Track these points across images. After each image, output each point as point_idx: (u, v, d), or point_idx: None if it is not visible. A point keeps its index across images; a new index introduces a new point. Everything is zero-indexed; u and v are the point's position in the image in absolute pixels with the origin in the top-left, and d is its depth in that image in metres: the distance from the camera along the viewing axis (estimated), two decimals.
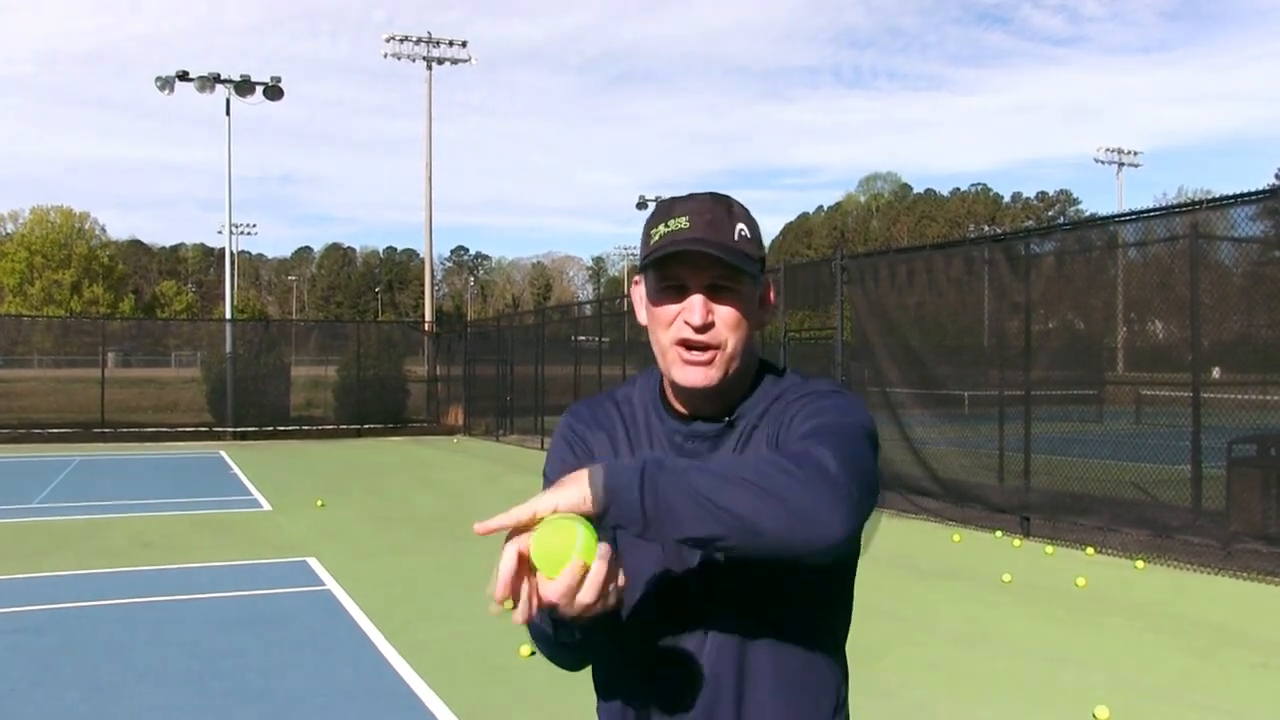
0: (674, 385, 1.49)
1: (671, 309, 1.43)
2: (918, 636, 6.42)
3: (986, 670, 5.78)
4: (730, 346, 1.43)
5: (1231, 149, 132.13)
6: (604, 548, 1.18)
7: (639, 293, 1.53)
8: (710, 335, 1.42)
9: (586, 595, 1.17)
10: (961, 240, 14.38)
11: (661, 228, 1.43)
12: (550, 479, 1.51)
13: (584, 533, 1.17)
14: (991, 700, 5.26)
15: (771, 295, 1.53)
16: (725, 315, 1.43)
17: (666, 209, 1.46)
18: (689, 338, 1.42)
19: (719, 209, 1.44)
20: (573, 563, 1.15)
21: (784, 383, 1.53)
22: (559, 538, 1.17)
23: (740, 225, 1.43)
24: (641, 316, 1.52)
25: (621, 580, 1.21)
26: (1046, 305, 11.07)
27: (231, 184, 27.55)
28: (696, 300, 1.41)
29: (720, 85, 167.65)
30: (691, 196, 1.47)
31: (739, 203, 1.48)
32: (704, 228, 1.41)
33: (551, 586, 1.16)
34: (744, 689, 1.45)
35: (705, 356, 1.43)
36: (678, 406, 1.51)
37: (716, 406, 1.49)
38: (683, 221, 1.42)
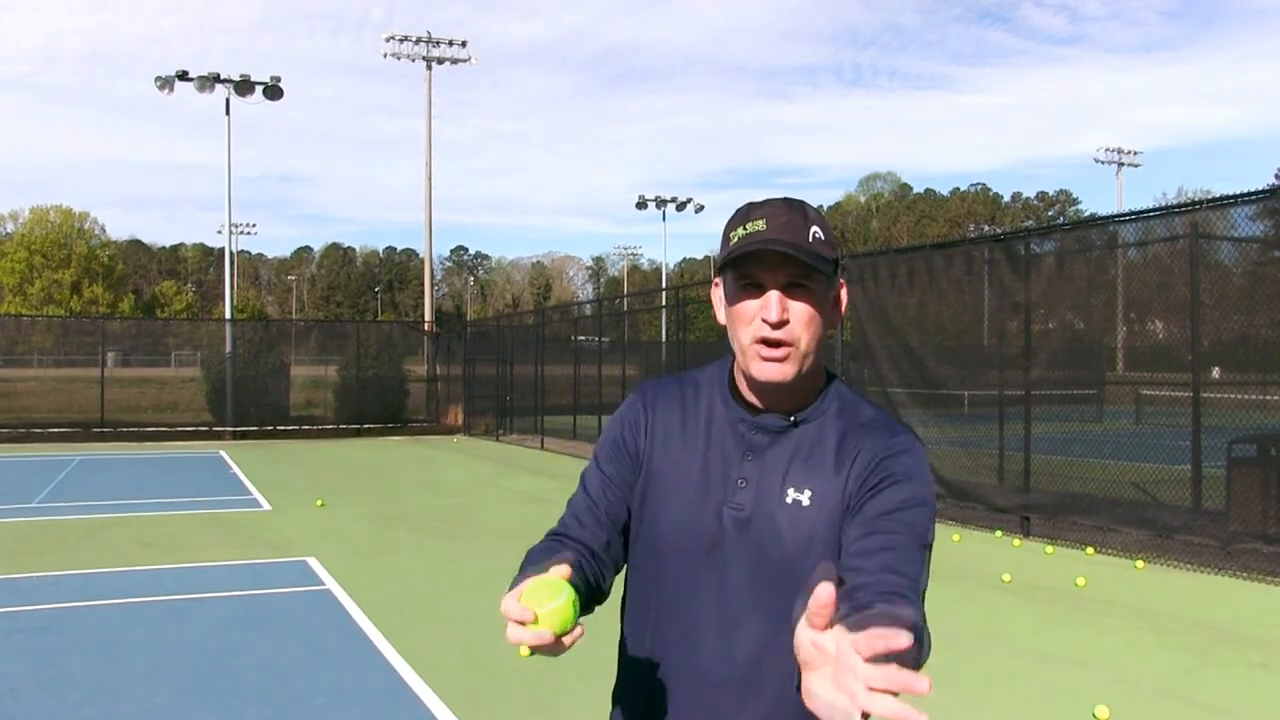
0: (751, 380, 1.54)
1: (750, 306, 1.50)
2: None
3: (986, 670, 5.78)
4: (804, 343, 1.49)
5: (1231, 149, 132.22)
6: (578, 630, 1.32)
7: (718, 295, 1.60)
8: (785, 332, 1.48)
9: (533, 647, 1.29)
10: (961, 240, 14.37)
11: (740, 230, 1.50)
12: (599, 447, 1.67)
13: (566, 608, 1.31)
14: (991, 700, 5.26)
15: (844, 297, 1.59)
16: (800, 312, 1.48)
17: (744, 213, 1.53)
18: (767, 335, 1.48)
19: (794, 212, 1.50)
20: (542, 633, 1.28)
21: (858, 405, 1.59)
22: (544, 600, 1.31)
23: (814, 228, 1.49)
24: (721, 317, 1.59)
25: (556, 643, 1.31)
26: (1046, 305, 11.07)
27: (231, 184, 27.58)
28: (773, 296, 1.47)
29: (720, 84, 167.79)
30: (768, 201, 1.54)
31: (813, 207, 1.54)
32: (780, 229, 1.47)
33: (511, 631, 1.28)
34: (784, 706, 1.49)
35: (781, 353, 1.49)
36: (748, 397, 1.58)
37: (787, 403, 1.55)
38: (760, 224, 1.48)
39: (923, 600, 1.41)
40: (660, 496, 1.58)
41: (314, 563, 8.71)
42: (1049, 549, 9.59)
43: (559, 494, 13.96)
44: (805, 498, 1.50)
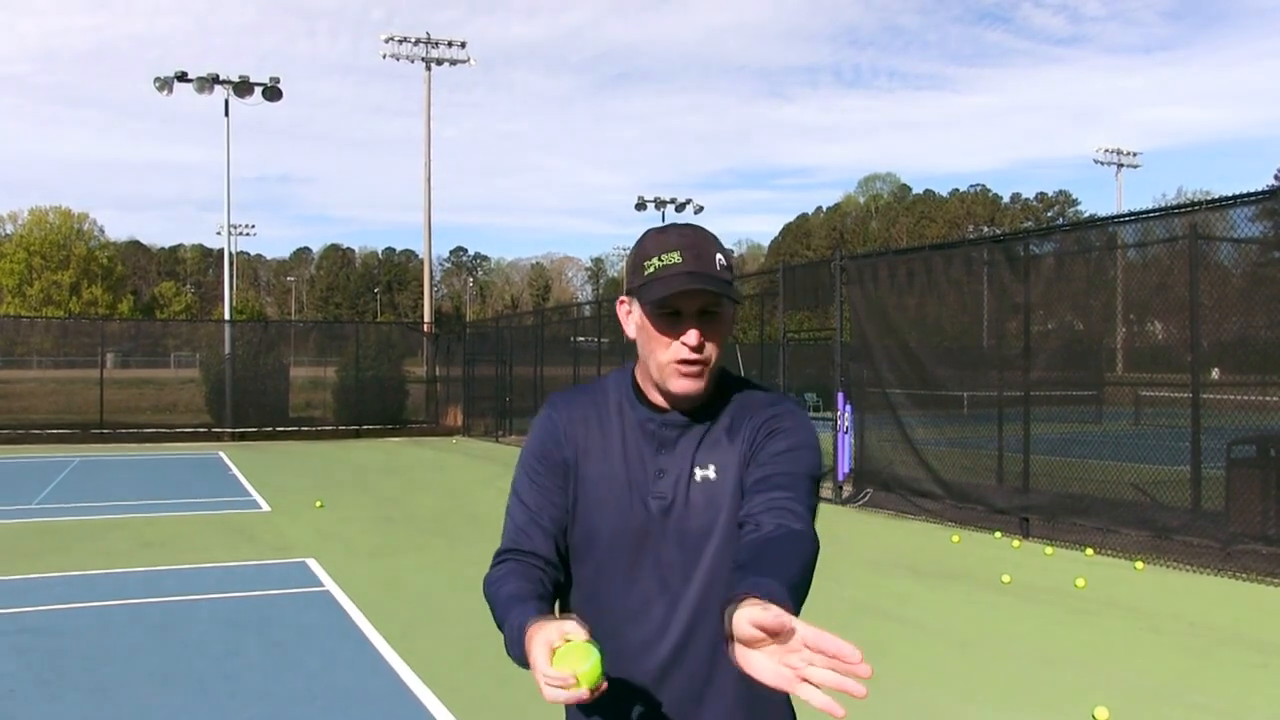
0: (666, 392, 1.72)
1: (669, 333, 1.67)
2: (917, 637, 6.42)
3: (986, 670, 5.78)
4: (714, 360, 1.70)
5: (1231, 150, 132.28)
6: (604, 685, 1.42)
7: (624, 311, 1.77)
8: (703, 353, 1.67)
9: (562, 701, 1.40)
10: (961, 241, 14.39)
11: (656, 261, 1.66)
12: (525, 459, 1.81)
13: (598, 667, 1.42)
14: (991, 700, 5.26)
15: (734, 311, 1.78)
16: (711, 334, 1.68)
17: (656, 243, 1.68)
18: (686, 357, 1.66)
19: (702, 242, 1.67)
20: (579, 689, 1.40)
21: (749, 392, 1.80)
22: (579, 660, 1.42)
23: (718, 255, 1.67)
24: (630, 330, 1.75)
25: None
26: (1046, 306, 11.07)
27: (230, 184, 27.58)
28: (693, 333, 1.66)
29: (719, 85, 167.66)
30: (674, 229, 1.70)
31: (713, 233, 1.71)
32: (693, 261, 1.64)
33: (549, 692, 1.38)
34: (717, 659, 1.68)
35: (697, 370, 1.68)
36: (653, 399, 1.76)
37: (689, 402, 1.73)
38: (675, 256, 1.65)
39: (813, 516, 1.64)
40: (591, 497, 1.75)
41: (313, 564, 8.71)
42: (1048, 550, 9.59)
43: None
44: (711, 472, 1.71)
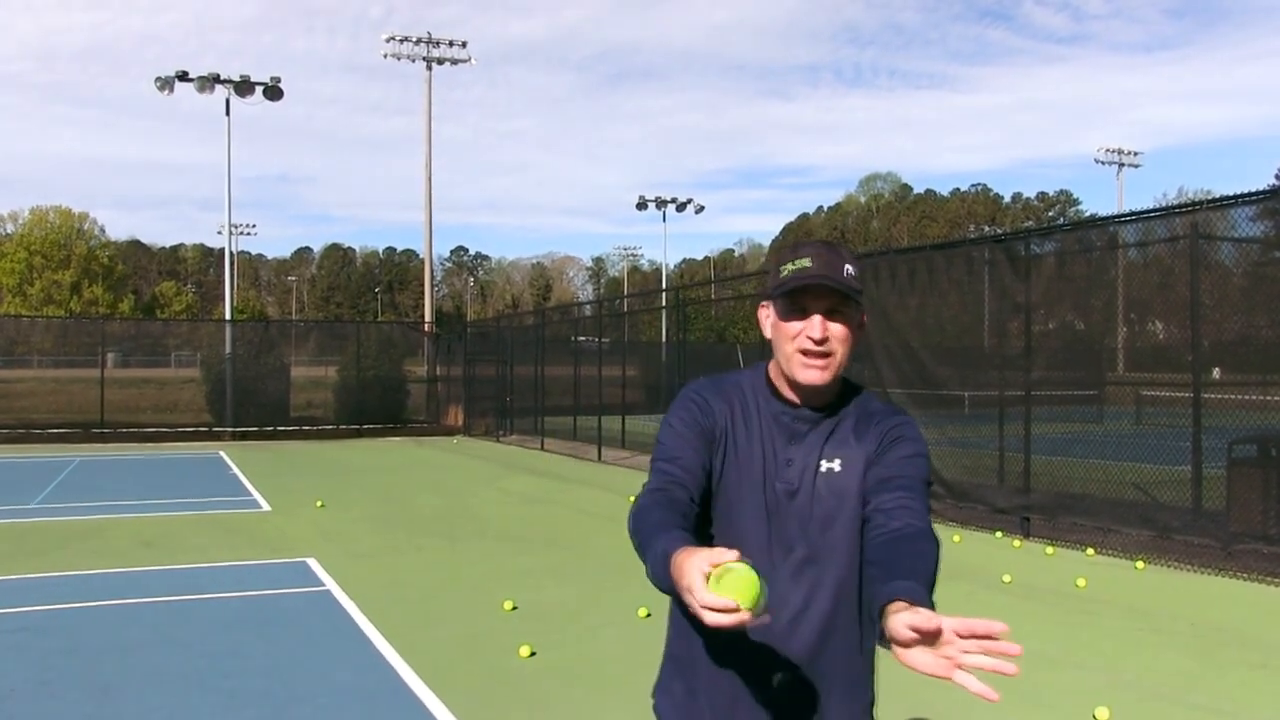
0: (793, 382, 1.93)
1: (797, 326, 1.90)
2: None
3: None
4: (839, 355, 1.91)
5: (1232, 149, 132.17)
6: (766, 618, 1.51)
7: (764, 314, 2.01)
8: (826, 346, 1.88)
9: (723, 624, 1.46)
10: (962, 241, 14.38)
11: (790, 266, 1.90)
12: (674, 424, 1.98)
13: (757, 591, 1.47)
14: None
15: (864, 319, 1.99)
16: (837, 331, 1.90)
17: (792, 251, 1.94)
18: (809, 347, 1.88)
19: (833, 253, 1.91)
20: (741, 614, 1.44)
21: (870, 400, 2.04)
22: (745, 588, 1.46)
23: (847, 265, 1.90)
24: (767, 331, 1.99)
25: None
26: (1047, 306, 11.05)
27: (231, 184, 27.57)
28: (817, 320, 1.88)
29: (720, 83, 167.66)
30: (811, 242, 1.95)
31: (846, 248, 1.96)
32: (823, 266, 1.87)
33: (711, 617, 1.43)
34: (829, 634, 1.93)
35: (822, 362, 1.90)
36: (786, 395, 1.98)
37: (818, 400, 1.97)
38: (806, 261, 1.88)
39: (928, 512, 1.89)
40: (733, 475, 1.96)
41: (314, 563, 8.71)
42: (1049, 550, 9.58)
43: (559, 495, 13.94)
44: (837, 465, 1.94)
